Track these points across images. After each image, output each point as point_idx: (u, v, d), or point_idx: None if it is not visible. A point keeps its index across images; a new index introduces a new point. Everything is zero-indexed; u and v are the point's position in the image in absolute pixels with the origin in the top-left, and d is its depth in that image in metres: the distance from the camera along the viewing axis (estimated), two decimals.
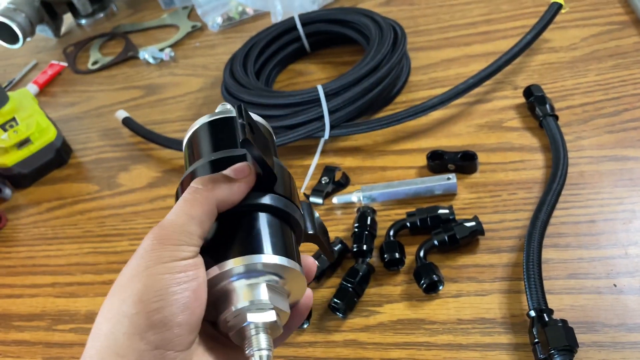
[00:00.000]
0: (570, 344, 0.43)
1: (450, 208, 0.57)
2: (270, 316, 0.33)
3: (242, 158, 0.36)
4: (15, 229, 0.78)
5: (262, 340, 0.32)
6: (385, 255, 0.55)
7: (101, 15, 1.21)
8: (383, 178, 0.66)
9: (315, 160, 0.70)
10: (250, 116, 0.36)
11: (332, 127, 0.69)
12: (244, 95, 0.73)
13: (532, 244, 0.51)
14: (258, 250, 0.33)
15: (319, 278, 0.57)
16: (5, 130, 0.79)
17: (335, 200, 0.64)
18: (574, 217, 0.55)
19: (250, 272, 0.33)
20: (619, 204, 0.55)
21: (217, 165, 0.36)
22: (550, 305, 0.47)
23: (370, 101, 0.71)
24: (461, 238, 0.54)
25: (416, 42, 0.83)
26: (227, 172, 0.35)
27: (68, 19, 1.21)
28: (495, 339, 0.49)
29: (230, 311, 0.32)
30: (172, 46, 1.03)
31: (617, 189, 0.56)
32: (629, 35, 0.72)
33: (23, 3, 1.04)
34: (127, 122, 0.85)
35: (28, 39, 1.06)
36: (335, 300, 0.53)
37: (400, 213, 0.60)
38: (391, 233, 0.57)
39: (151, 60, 1.01)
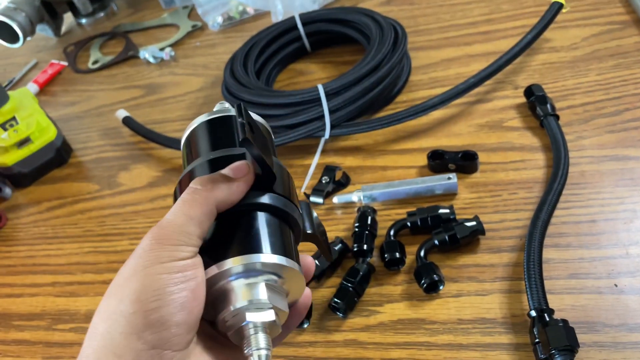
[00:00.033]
0: (571, 344, 0.43)
1: (450, 208, 0.57)
2: (269, 315, 0.33)
3: (240, 157, 0.36)
4: (15, 228, 0.78)
5: (261, 339, 0.32)
6: (386, 255, 0.55)
7: (101, 14, 1.21)
8: (383, 178, 0.65)
9: (315, 160, 0.70)
10: (250, 115, 0.36)
11: (332, 127, 0.69)
12: (245, 94, 0.73)
13: (533, 243, 0.51)
14: (257, 249, 0.33)
15: (319, 278, 0.56)
16: (5, 129, 0.79)
17: (335, 199, 0.63)
18: (574, 216, 0.55)
19: (249, 272, 0.33)
20: (620, 203, 0.55)
21: (215, 164, 0.36)
22: (551, 305, 0.47)
23: (371, 101, 0.71)
24: (462, 238, 0.54)
25: (417, 42, 0.83)
26: (226, 171, 0.35)
27: (68, 18, 1.21)
28: (495, 339, 0.48)
29: (228, 311, 0.32)
30: (172, 45, 1.03)
31: (618, 189, 0.56)
32: (629, 35, 0.72)
33: (23, 2, 1.04)
34: (127, 121, 0.85)
35: (28, 38, 1.06)
36: (336, 299, 0.53)
37: (400, 213, 0.60)
38: (392, 233, 0.57)
39: (151, 60, 1.01)
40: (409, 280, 0.55)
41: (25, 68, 1.12)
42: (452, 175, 0.61)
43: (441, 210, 0.57)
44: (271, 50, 0.84)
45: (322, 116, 0.69)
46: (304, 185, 0.67)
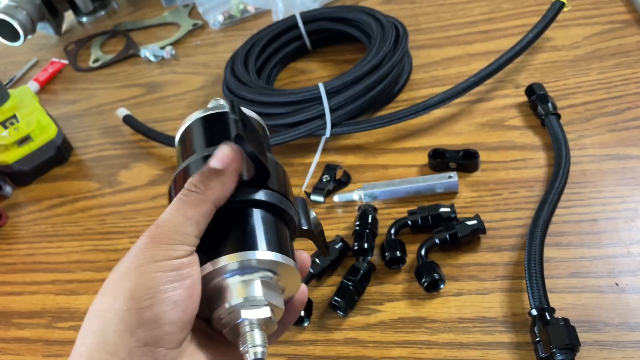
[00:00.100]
0: (572, 343, 0.43)
1: (451, 206, 0.57)
2: (265, 312, 0.32)
3: None
4: (15, 227, 0.78)
5: (257, 336, 0.32)
6: (386, 254, 0.55)
7: (102, 13, 1.21)
8: (384, 176, 0.65)
9: (316, 159, 0.70)
10: (243, 112, 0.36)
11: (333, 125, 0.69)
12: (245, 93, 0.73)
13: (534, 242, 0.51)
14: (252, 246, 0.33)
15: (319, 276, 0.56)
16: (5, 127, 0.79)
17: (336, 198, 0.63)
18: (575, 215, 0.55)
19: (245, 269, 0.33)
20: (621, 202, 0.55)
21: None
22: (551, 304, 0.47)
23: (372, 99, 0.71)
24: (462, 236, 0.54)
25: (418, 41, 0.83)
26: (215, 163, 0.34)
27: (69, 16, 1.21)
28: (496, 338, 0.48)
29: (224, 308, 0.32)
30: (173, 44, 1.03)
31: (620, 188, 0.56)
32: (631, 34, 0.72)
33: (24, 0, 1.04)
34: (127, 119, 0.85)
35: (29, 37, 1.06)
36: (336, 298, 0.53)
37: (401, 211, 0.60)
38: (392, 231, 0.57)
39: (152, 58, 1.01)
40: (409, 279, 0.55)
41: (26, 66, 1.12)
42: (453, 174, 0.60)
43: (442, 209, 0.57)
44: (272, 48, 0.84)
45: (323, 115, 0.69)
46: (304, 183, 0.67)
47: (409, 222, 0.57)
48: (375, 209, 0.60)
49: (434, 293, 0.53)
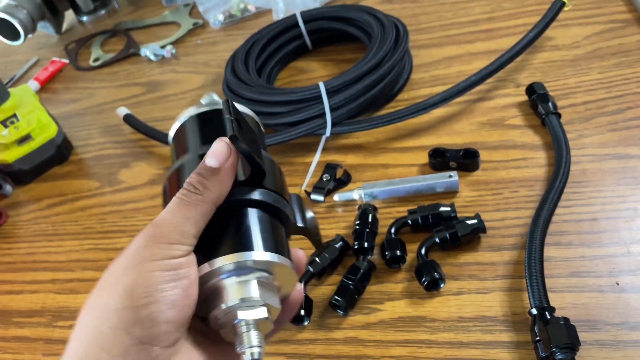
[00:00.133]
0: (572, 342, 0.43)
1: (451, 205, 0.57)
2: (261, 313, 0.32)
3: None
4: (15, 226, 0.78)
5: (253, 337, 0.32)
6: (387, 253, 0.55)
7: (102, 12, 1.21)
8: (384, 175, 0.65)
9: (316, 158, 0.70)
10: (237, 111, 0.35)
11: (333, 125, 0.69)
12: (246, 92, 0.73)
13: (534, 241, 0.51)
14: (248, 247, 0.33)
15: (320, 275, 0.56)
16: (6, 126, 0.79)
17: (336, 197, 0.63)
18: (576, 215, 0.55)
19: (241, 270, 0.33)
20: (621, 202, 0.55)
21: None
22: (552, 304, 0.47)
23: (372, 98, 0.71)
24: (463, 236, 0.54)
25: (418, 40, 0.83)
26: (210, 161, 0.33)
27: (69, 15, 1.21)
28: (496, 337, 0.48)
29: (220, 309, 0.32)
30: (173, 43, 1.03)
31: (620, 187, 0.56)
32: (632, 34, 0.72)
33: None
34: (128, 119, 0.85)
35: (29, 36, 1.06)
36: (336, 297, 0.53)
37: (401, 210, 0.60)
38: (392, 230, 0.57)
39: (152, 57, 1.01)
40: (409, 278, 0.55)
41: (26, 65, 1.12)
42: (453, 173, 0.60)
43: (442, 208, 0.57)
44: (272, 48, 0.84)
45: (323, 114, 0.69)
46: (304, 183, 0.67)
47: (409, 221, 0.57)
48: (375, 208, 0.60)
49: (434, 292, 0.53)
